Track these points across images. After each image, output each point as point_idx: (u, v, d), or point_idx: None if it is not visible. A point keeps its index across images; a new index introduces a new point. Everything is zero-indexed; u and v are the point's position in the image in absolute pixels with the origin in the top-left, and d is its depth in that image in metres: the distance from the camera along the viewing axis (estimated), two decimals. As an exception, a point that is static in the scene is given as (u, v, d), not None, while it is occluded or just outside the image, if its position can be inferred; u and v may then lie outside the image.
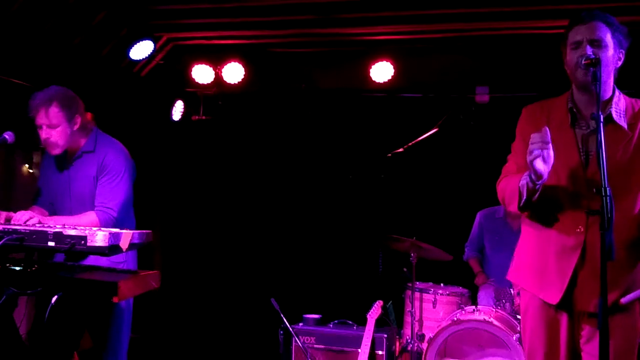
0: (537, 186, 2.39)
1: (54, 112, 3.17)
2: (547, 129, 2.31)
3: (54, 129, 3.19)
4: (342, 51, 5.47)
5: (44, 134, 3.20)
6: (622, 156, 2.40)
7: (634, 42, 2.54)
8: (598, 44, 2.42)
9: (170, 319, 5.91)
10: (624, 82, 2.59)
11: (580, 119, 2.52)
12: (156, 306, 5.64)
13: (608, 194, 2.14)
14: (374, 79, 5.32)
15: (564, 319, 2.49)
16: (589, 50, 2.39)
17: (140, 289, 2.52)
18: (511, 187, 2.54)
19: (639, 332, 2.50)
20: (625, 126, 2.46)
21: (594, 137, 2.45)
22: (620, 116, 2.47)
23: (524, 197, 2.44)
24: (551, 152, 2.30)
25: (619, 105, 2.49)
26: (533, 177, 2.34)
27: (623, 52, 2.49)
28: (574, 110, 2.52)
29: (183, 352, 5.78)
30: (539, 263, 2.55)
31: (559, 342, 2.50)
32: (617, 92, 2.52)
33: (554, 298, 2.47)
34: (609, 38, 2.43)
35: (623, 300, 2.36)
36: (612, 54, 2.45)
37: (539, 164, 2.29)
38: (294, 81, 5.67)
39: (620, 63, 2.50)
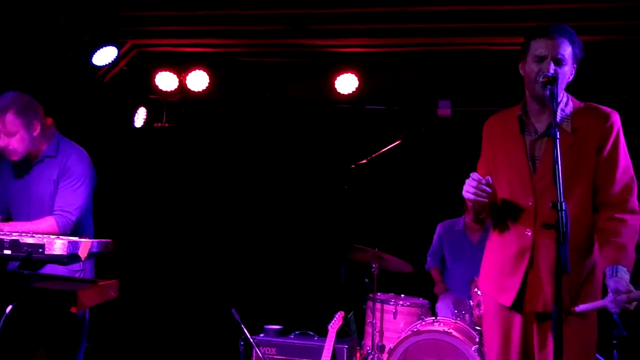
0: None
1: (11, 120, 3.10)
2: (490, 178, 2.47)
3: (12, 137, 3.13)
4: (308, 62, 5.49)
5: (1, 142, 3.13)
6: (565, 159, 2.41)
7: (593, 60, 2.63)
8: (560, 61, 2.49)
9: (127, 328, 5.81)
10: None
11: (528, 125, 2.61)
12: (113, 315, 5.54)
13: (564, 208, 2.19)
14: (338, 90, 5.35)
15: (517, 319, 2.58)
16: (552, 68, 2.46)
17: (99, 298, 2.48)
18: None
19: (595, 339, 2.57)
20: (570, 130, 2.53)
21: (540, 142, 2.57)
22: (565, 120, 2.55)
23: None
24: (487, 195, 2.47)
25: (565, 110, 2.57)
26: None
27: (576, 66, 2.58)
28: (523, 118, 2.61)
29: (141, 363, 5.69)
30: (497, 267, 2.66)
31: (512, 340, 2.58)
32: (565, 97, 2.59)
33: (508, 300, 2.57)
34: (569, 54, 2.51)
35: (578, 309, 2.42)
36: (568, 69, 2.54)
37: (471, 201, 2.51)
38: (260, 90, 5.67)
39: (572, 78, 2.58)
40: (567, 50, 2.50)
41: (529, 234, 2.53)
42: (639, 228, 2.49)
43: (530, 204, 2.53)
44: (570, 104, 2.60)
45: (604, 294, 2.44)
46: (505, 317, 2.60)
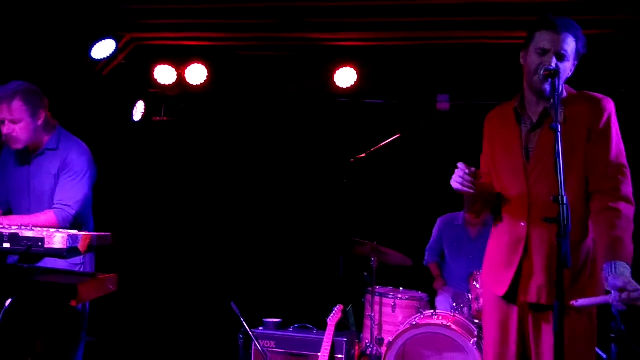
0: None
1: (17, 107, 3.12)
2: (474, 169, 2.46)
3: (17, 124, 3.13)
4: (307, 56, 5.48)
5: (5, 129, 3.14)
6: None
7: (592, 54, 2.63)
8: (563, 57, 2.48)
9: (127, 322, 5.81)
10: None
11: (524, 116, 2.62)
12: (113, 309, 5.54)
13: (565, 202, 2.18)
14: (337, 84, 5.35)
15: (514, 310, 2.59)
16: (554, 62, 2.46)
17: (98, 292, 2.48)
18: None
19: (595, 332, 2.55)
20: (561, 119, 2.48)
21: (535, 133, 2.58)
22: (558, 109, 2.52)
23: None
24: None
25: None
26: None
27: (576, 63, 2.57)
28: (518, 110, 2.61)
29: (140, 356, 5.69)
30: (494, 260, 2.69)
31: (509, 331, 2.59)
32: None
33: (501, 290, 2.58)
34: (572, 50, 2.51)
35: (576, 303, 2.35)
36: (569, 65, 2.53)
37: (458, 191, 2.50)
38: (258, 84, 5.66)
39: (570, 74, 2.57)
40: (570, 46, 2.49)
41: (523, 224, 2.53)
42: (632, 217, 2.45)
43: (523, 193, 2.54)
44: (564, 92, 2.59)
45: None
46: (503, 308, 2.61)
